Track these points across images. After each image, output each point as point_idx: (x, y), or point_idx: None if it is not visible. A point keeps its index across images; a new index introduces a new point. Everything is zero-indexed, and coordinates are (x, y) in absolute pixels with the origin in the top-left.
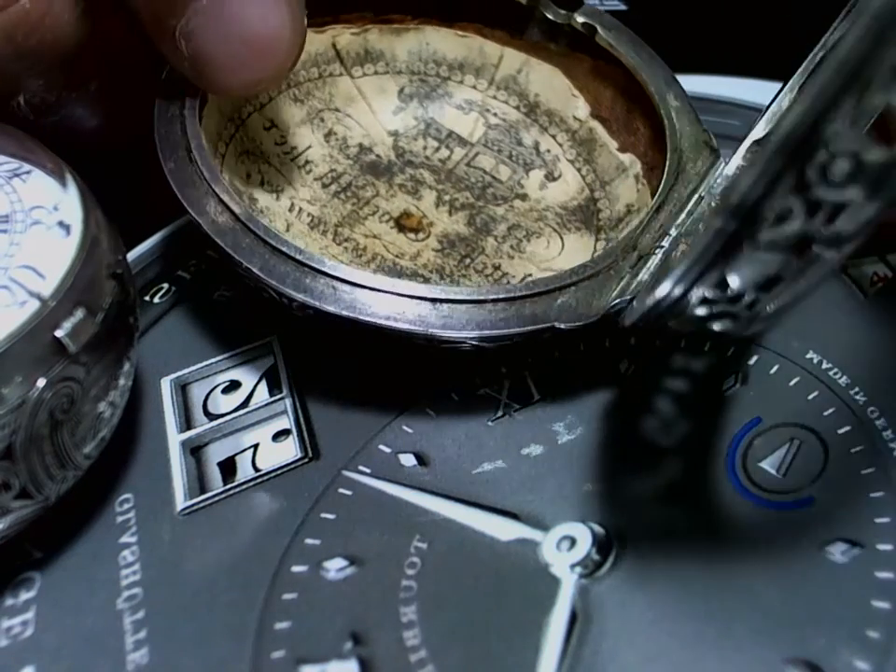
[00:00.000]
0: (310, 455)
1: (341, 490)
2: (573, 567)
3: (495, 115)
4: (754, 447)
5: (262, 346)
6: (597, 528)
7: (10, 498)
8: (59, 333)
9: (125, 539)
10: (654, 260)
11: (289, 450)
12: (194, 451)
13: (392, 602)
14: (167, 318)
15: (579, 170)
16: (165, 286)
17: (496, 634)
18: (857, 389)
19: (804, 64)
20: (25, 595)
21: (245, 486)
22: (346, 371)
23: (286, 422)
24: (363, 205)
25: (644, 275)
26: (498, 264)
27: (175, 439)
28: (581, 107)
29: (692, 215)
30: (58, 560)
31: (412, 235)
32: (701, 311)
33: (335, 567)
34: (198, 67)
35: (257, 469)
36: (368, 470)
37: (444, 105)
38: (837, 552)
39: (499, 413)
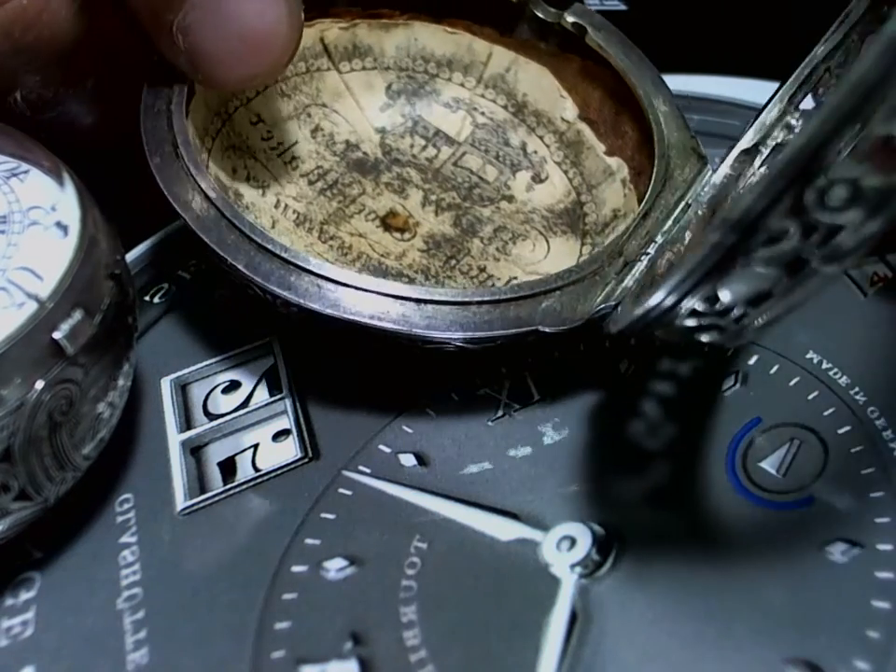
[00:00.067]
0: (310, 455)
1: (341, 490)
2: (573, 567)
3: (482, 114)
4: (754, 447)
5: (262, 346)
6: (597, 528)
7: (9, 500)
8: (57, 335)
9: (125, 538)
10: (640, 267)
11: (289, 450)
12: (194, 451)
13: (392, 602)
14: (167, 318)
15: (566, 172)
16: (165, 286)
17: (496, 634)
18: (857, 389)
19: (794, 75)
20: (25, 595)
21: (245, 486)
22: (346, 371)
23: (286, 422)
24: (349, 203)
25: (629, 282)
26: (484, 266)
27: (174, 439)
28: (569, 109)
29: (678, 222)
30: (58, 560)
31: (397, 235)
32: (689, 322)
33: (335, 567)
34: (195, 62)
35: (257, 469)
36: (368, 470)
37: (432, 102)
38: (837, 552)
39: (499, 413)
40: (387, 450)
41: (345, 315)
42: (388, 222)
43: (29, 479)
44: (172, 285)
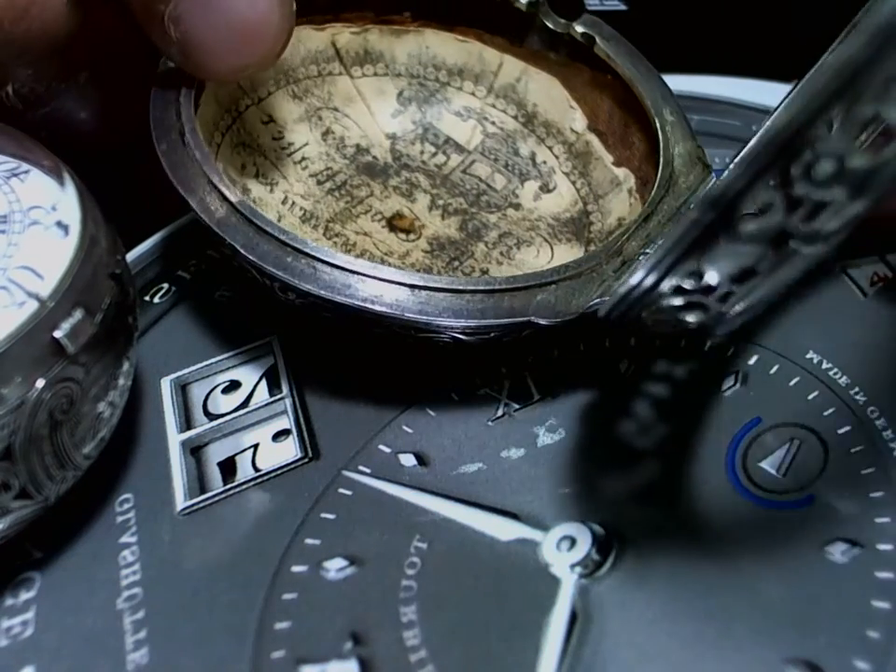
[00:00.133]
0: (310, 454)
1: (341, 490)
2: (573, 567)
3: (493, 123)
4: (754, 447)
5: (262, 346)
6: (597, 528)
7: (10, 499)
8: (57, 334)
9: (125, 539)
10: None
11: (289, 450)
12: (194, 451)
13: (392, 602)
14: (167, 318)
15: (573, 183)
16: (165, 286)
17: (496, 634)
18: (857, 389)
19: (801, 83)
20: (25, 595)
21: (244, 486)
22: (346, 371)
23: (286, 422)
24: (356, 204)
25: None
26: (486, 269)
27: (174, 439)
28: (578, 119)
29: None
30: (58, 560)
31: (402, 236)
32: (675, 301)
33: (335, 567)
34: (186, 52)
35: (257, 469)
36: (368, 470)
37: (443, 110)
38: (837, 552)
39: (499, 413)
40: (387, 450)
41: (338, 298)
42: (394, 223)
43: (30, 477)
44: (172, 285)
